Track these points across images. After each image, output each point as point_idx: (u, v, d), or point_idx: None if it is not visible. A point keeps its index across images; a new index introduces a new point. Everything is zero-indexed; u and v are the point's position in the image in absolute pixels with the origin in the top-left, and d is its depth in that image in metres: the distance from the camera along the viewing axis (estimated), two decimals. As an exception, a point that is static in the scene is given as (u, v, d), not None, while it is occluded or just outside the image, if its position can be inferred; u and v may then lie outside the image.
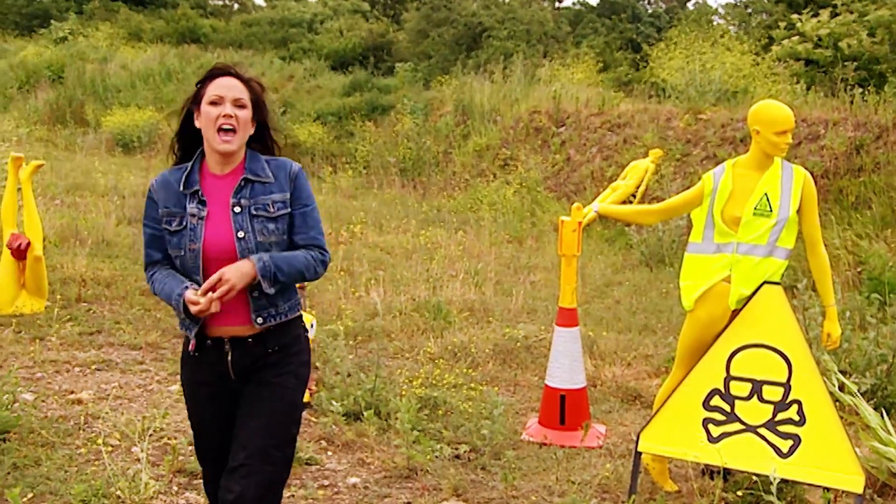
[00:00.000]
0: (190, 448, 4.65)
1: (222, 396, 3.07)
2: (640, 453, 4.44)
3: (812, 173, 4.49)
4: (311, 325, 5.83)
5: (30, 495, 4.19)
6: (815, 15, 17.62)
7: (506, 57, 22.17)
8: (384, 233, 12.68)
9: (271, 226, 2.96)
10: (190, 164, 3.01)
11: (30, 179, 7.76)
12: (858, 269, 9.32)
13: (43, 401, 5.58)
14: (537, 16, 30.82)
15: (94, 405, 5.53)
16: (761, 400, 4.18)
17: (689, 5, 42.36)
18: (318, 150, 19.75)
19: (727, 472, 4.56)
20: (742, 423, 4.21)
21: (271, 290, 2.93)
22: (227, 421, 3.06)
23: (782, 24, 19.07)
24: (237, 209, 2.94)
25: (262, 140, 3.09)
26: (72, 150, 20.16)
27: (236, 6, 45.72)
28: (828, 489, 4.10)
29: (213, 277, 2.83)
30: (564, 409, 5.47)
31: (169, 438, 5.06)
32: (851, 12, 16.99)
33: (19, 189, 7.79)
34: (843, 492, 4.22)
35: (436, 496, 4.57)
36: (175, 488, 4.46)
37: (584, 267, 10.68)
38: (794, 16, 18.30)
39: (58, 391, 5.82)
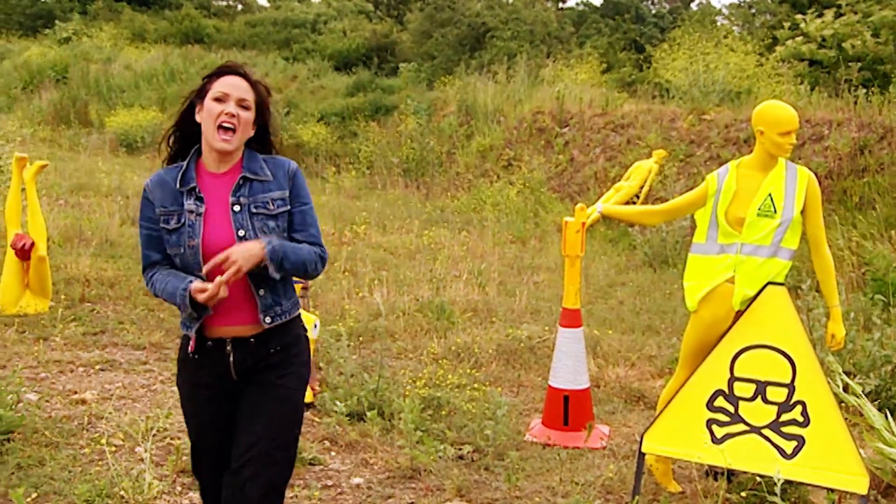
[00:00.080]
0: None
1: (222, 398, 3.04)
2: (644, 454, 4.44)
3: (816, 174, 4.48)
4: (315, 326, 5.83)
5: (34, 495, 4.20)
6: (820, 15, 17.59)
7: (509, 57, 22.15)
8: (387, 233, 12.68)
9: (271, 223, 2.95)
10: (185, 162, 2.99)
11: (34, 180, 7.77)
12: (862, 270, 9.31)
13: (47, 401, 5.58)
14: (541, 16, 30.78)
15: (97, 405, 5.53)
16: (765, 401, 4.18)
17: (693, 6, 42.32)
18: (322, 150, 19.76)
19: (731, 473, 4.56)
20: (746, 424, 4.21)
21: (277, 275, 2.89)
22: (227, 423, 3.04)
23: (786, 25, 19.03)
24: (237, 207, 2.93)
25: (260, 142, 3.07)
26: (75, 150, 20.19)
27: (240, 7, 45.76)
28: (832, 490, 4.09)
29: (220, 256, 2.80)
30: (568, 410, 5.46)
31: (172, 438, 5.06)
32: (856, 13, 16.96)
33: (23, 189, 7.81)
34: (847, 493, 4.22)
35: (439, 497, 4.57)
36: (179, 488, 4.47)
37: (588, 267, 10.67)
38: (799, 16, 18.27)
39: (62, 391, 5.83)
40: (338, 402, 5.49)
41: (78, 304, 7.97)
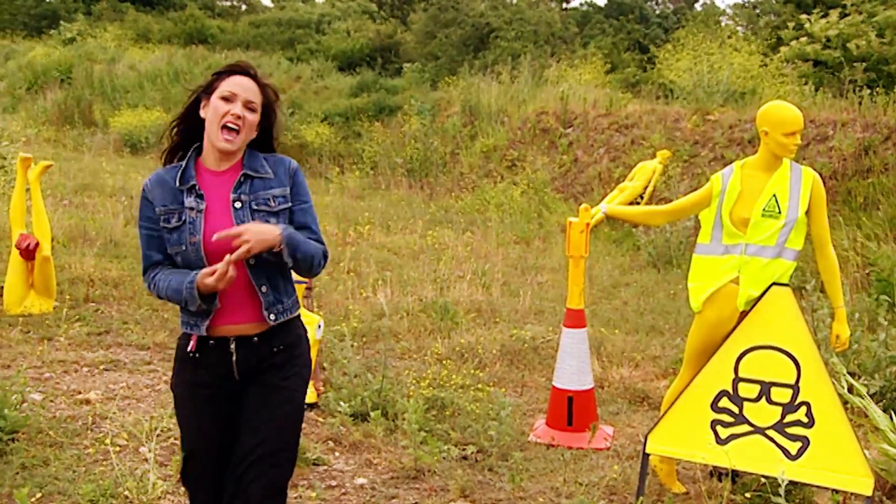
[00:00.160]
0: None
1: (223, 398, 3.00)
2: (648, 455, 4.43)
3: (820, 174, 4.48)
4: (319, 326, 5.83)
5: (38, 495, 4.20)
6: (825, 15, 17.55)
7: (513, 58, 22.16)
8: (391, 233, 12.68)
9: (273, 220, 2.92)
10: (184, 161, 2.97)
11: (38, 180, 7.78)
12: (867, 271, 9.29)
13: (51, 401, 5.59)
14: (545, 16, 30.80)
15: (102, 405, 5.54)
16: (770, 402, 4.17)
17: (697, 6, 42.30)
18: (326, 150, 19.78)
19: (735, 474, 4.55)
20: (750, 424, 4.20)
21: (289, 262, 2.87)
22: (227, 424, 3.01)
23: (791, 25, 19.00)
24: (238, 204, 2.91)
25: (262, 145, 3.05)
26: (80, 150, 20.23)
27: (244, 7, 45.81)
28: (836, 491, 4.08)
29: (235, 229, 2.77)
30: (572, 411, 5.46)
31: (177, 439, 5.06)
32: (860, 13, 16.92)
33: (28, 189, 7.82)
34: (851, 494, 4.21)
35: (443, 497, 4.56)
36: (182, 488, 4.46)
37: (592, 268, 10.67)
38: (803, 16, 18.23)
39: (66, 391, 5.83)
40: (341, 403, 5.49)
41: (82, 304, 7.98)
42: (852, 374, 5.72)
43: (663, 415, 4.43)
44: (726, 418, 4.25)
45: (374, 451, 5.12)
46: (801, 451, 4.10)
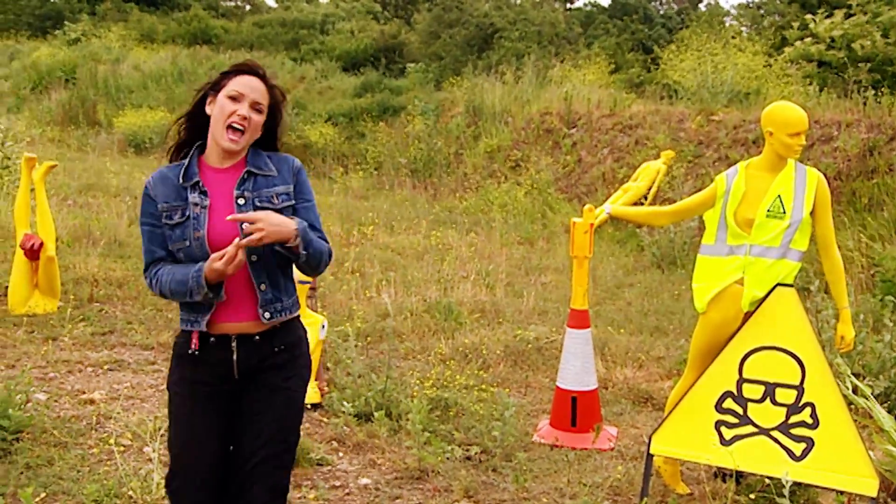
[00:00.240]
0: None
1: (220, 397, 2.98)
2: (652, 455, 4.43)
3: (825, 175, 4.46)
4: (323, 326, 5.83)
5: (42, 495, 4.20)
6: (829, 16, 17.53)
7: (517, 58, 22.16)
8: (395, 234, 12.69)
9: None
10: (187, 159, 2.97)
11: (43, 180, 7.80)
12: (872, 272, 9.27)
13: (55, 401, 5.60)
14: (549, 17, 30.76)
15: (106, 405, 5.55)
16: (774, 402, 4.16)
17: (701, 6, 42.28)
18: (329, 150, 19.79)
19: (739, 475, 4.55)
20: (755, 425, 4.19)
21: (303, 255, 2.85)
22: (221, 424, 2.98)
23: (795, 25, 18.97)
24: (241, 201, 2.90)
25: (266, 144, 3.05)
26: (84, 150, 20.26)
27: (248, 7, 45.85)
28: (841, 493, 4.07)
29: (251, 214, 2.75)
30: (576, 411, 5.46)
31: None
32: (865, 13, 16.89)
33: (32, 189, 7.83)
34: (856, 495, 4.20)
35: (447, 497, 4.56)
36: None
37: (596, 268, 10.67)
38: (808, 16, 18.21)
39: (70, 391, 5.84)
40: (345, 403, 5.50)
41: (86, 304, 7.99)
42: (857, 375, 5.71)
43: (667, 415, 4.43)
44: (731, 419, 4.24)
45: (377, 451, 5.12)
46: (805, 452, 4.09)
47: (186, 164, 2.96)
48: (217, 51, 29.25)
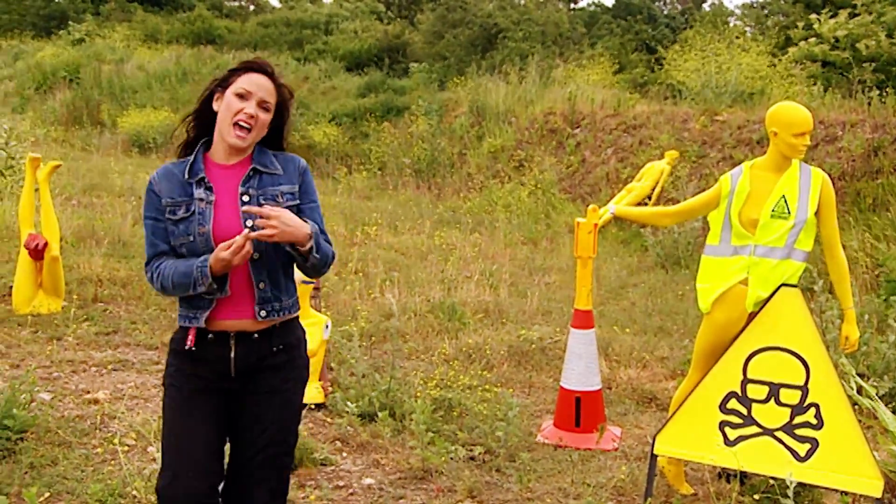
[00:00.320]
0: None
1: (217, 395, 2.95)
2: (656, 456, 4.43)
3: (829, 175, 4.46)
4: (326, 326, 5.84)
5: (46, 494, 4.21)
6: (834, 15, 17.48)
7: (521, 58, 22.13)
8: (399, 234, 12.69)
9: None
10: (192, 155, 2.96)
11: (47, 180, 7.81)
12: (876, 272, 9.26)
13: (60, 400, 5.61)
14: (553, 17, 30.72)
15: (110, 405, 5.55)
16: (778, 403, 4.16)
17: (705, 6, 42.24)
18: (333, 151, 19.79)
19: (744, 476, 4.54)
20: (759, 426, 4.19)
21: (316, 258, 2.85)
22: (216, 423, 2.95)
23: (800, 25, 18.93)
24: (245, 198, 2.89)
25: (271, 143, 3.03)
26: (88, 150, 20.30)
27: (252, 7, 45.89)
28: (846, 493, 4.07)
29: (267, 209, 2.74)
30: (580, 411, 5.45)
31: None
32: (870, 13, 16.84)
33: (37, 189, 7.84)
34: (861, 496, 4.20)
35: (450, 498, 4.56)
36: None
37: (600, 269, 10.66)
38: (813, 16, 18.17)
39: (74, 391, 5.85)
40: (349, 403, 5.50)
41: (90, 303, 8.00)
42: (861, 376, 5.69)
43: (671, 416, 4.42)
44: (735, 420, 4.23)
45: (381, 451, 5.12)
46: (809, 453, 4.08)
47: (192, 159, 2.94)
48: (221, 51, 29.25)
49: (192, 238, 2.87)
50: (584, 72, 21.21)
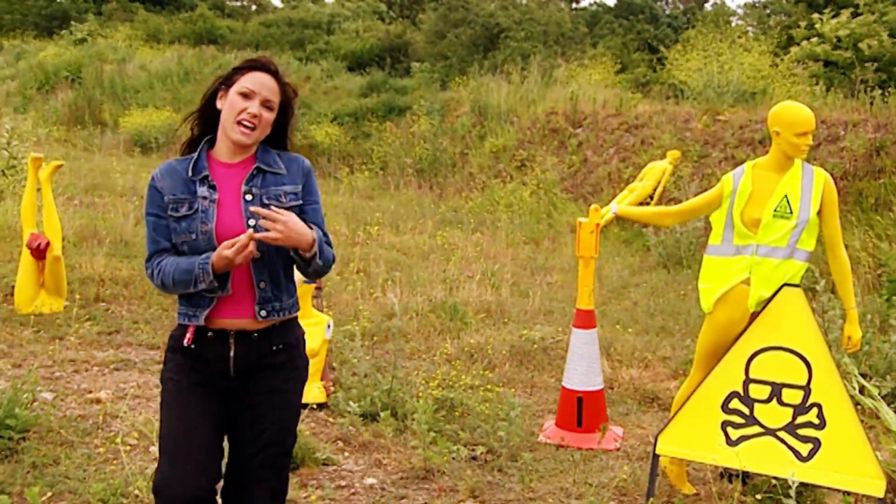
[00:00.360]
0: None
1: (214, 392, 2.93)
2: (658, 456, 4.42)
3: (832, 175, 4.45)
4: (328, 326, 5.84)
5: (49, 494, 4.21)
6: (836, 15, 17.46)
7: (523, 58, 22.13)
8: (401, 234, 12.69)
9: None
10: (196, 153, 2.95)
11: (49, 180, 7.81)
12: (879, 272, 9.25)
13: (62, 400, 5.61)
14: (554, 17, 30.73)
15: (112, 404, 5.55)
16: (781, 403, 4.16)
17: (707, 6, 42.22)
18: (335, 150, 19.79)
19: (746, 476, 4.54)
20: (761, 426, 4.19)
21: (319, 264, 2.86)
22: (217, 416, 2.94)
23: (802, 24, 18.92)
24: (248, 197, 2.88)
25: (275, 141, 3.02)
26: (90, 150, 20.31)
27: (254, 7, 45.91)
28: (848, 493, 4.06)
29: (276, 214, 2.73)
30: (581, 411, 5.45)
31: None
32: (873, 13, 16.82)
33: (39, 189, 7.85)
34: (863, 496, 4.19)
35: (452, 497, 4.56)
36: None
37: (602, 268, 10.65)
38: (815, 16, 18.15)
39: (76, 390, 5.85)
40: (351, 403, 5.50)
41: (93, 303, 8.00)
42: (864, 376, 5.69)
43: (673, 416, 4.42)
44: (737, 419, 4.23)
45: (383, 451, 5.12)
46: (812, 453, 4.08)
47: (195, 157, 2.93)
48: (223, 51, 29.26)
49: (194, 236, 2.85)
50: (586, 71, 21.20)
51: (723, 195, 4.47)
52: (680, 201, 9.47)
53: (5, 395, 4.79)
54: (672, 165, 6.98)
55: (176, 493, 2.84)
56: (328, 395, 5.81)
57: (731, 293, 4.38)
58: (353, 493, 4.58)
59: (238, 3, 46.06)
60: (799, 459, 4.09)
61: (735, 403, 4.24)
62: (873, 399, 4.72)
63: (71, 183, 13.91)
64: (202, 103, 2.98)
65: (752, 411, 4.21)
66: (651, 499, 4.31)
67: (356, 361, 5.89)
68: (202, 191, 2.88)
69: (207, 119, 2.98)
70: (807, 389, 4.11)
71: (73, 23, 33.46)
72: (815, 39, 17.41)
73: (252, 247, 2.74)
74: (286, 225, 2.74)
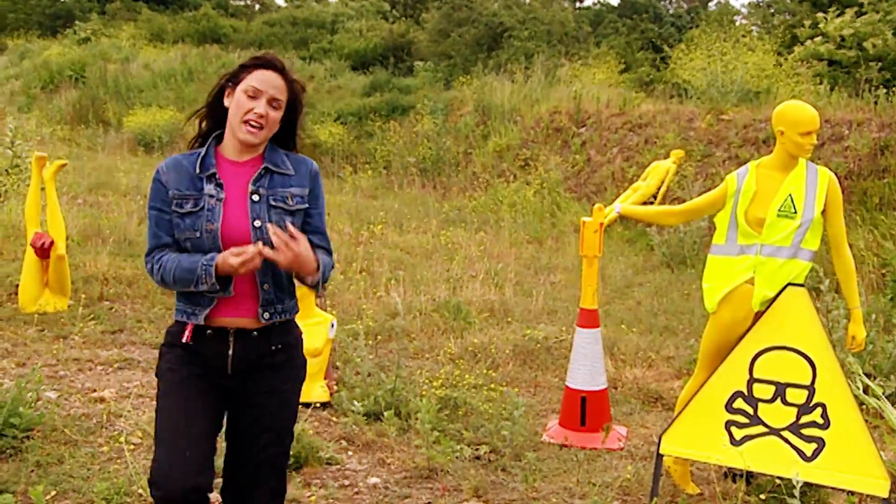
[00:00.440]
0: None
1: (214, 389, 2.92)
2: (662, 455, 4.42)
3: (836, 174, 4.44)
4: (332, 325, 5.84)
5: (52, 493, 4.21)
6: (840, 14, 17.44)
7: (526, 57, 22.13)
8: (404, 233, 12.69)
9: (288, 219, 2.86)
10: (204, 149, 2.92)
11: (53, 179, 7.82)
12: (883, 272, 9.23)
13: (66, 399, 5.61)
14: (558, 16, 30.72)
15: (116, 403, 5.56)
16: (785, 403, 4.15)
17: (711, 5, 42.16)
18: (339, 150, 19.79)
19: (750, 476, 4.53)
20: (765, 425, 4.18)
21: (318, 289, 2.92)
22: (214, 412, 2.93)
23: (806, 23, 18.90)
24: (255, 197, 2.86)
25: (283, 140, 3.00)
26: (94, 149, 20.32)
27: (258, 7, 45.94)
28: (852, 493, 4.06)
29: (288, 240, 2.71)
30: (585, 411, 5.44)
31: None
32: (877, 12, 16.80)
33: (43, 188, 7.85)
34: (867, 496, 4.18)
35: (456, 497, 4.56)
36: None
37: (605, 268, 10.64)
38: (819, 15, 18.13)
39: (80, 389, 5.86)
40: (355, 402, 5.50)
41: (96, 302, 8.01)
42: (868, 375, 5.68)
43: (677, 415, 4.42)
44: (741, 419, 4.22)
45: (387, 450, 5.12)
46: (816, 453, 4.07)
47: (203, 153, 2.90)
48: (226, 50, 29.28)
49: (198, 234, 2.83)
50: (590, 71, 21.19)
51: (727, 195, 4.47)
52: (683, 201, 9.47)
53: (9, 394, 4.80)
54: (676, 165, 6.99)
55: (174, 485, 2.75)
56: (331, 395, 5.81)
57: (735, 293, 4.37)
58: (357, 493, 4.58)
59: (242, 3, 46.11)
60: (803, 459, 4.08)
61: (739, 403, 4.23)
62: (877, 399, 4.72)
63: (75, 182, 13.93)
64: (209, 100, 2.96)
65: (756, 411, 4.20)
66: (655, 498, 4.30)
67: (359, 360, 5.89)
68: (209, 189, 2.85)
69: (216, 116, 2.95)
70: (811, 389, 4.10)
71: (76, 22, 33.54)
72: (819, 38, 17.39)
73: (258, 261, 2.73)
74: (296, 249, 2.73)
